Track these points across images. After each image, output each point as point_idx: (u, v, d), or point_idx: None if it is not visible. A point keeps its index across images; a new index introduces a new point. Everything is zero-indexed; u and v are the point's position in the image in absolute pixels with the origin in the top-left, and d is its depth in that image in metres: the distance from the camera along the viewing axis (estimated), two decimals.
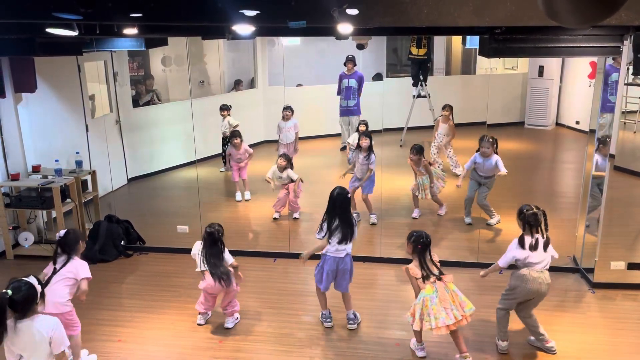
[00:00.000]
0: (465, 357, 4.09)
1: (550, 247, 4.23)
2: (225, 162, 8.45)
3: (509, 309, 4.27)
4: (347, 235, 4.43)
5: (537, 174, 8.34)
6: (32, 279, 3.15)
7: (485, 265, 5.61)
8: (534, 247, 4.12)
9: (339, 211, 4.43)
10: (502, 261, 4.26)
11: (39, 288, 3.15)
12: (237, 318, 4.72)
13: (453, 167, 8.01)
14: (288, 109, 7.77)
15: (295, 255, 5.91)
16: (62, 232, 4.06)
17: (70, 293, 3.95)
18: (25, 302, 3.05)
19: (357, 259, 5.73)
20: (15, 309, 3.04)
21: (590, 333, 4.55)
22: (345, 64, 8.81)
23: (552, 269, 5.46)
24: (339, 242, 4.43)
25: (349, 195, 4.56)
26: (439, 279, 4.06)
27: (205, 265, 4.49)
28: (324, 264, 4.53)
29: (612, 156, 5.08)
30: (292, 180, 6.69)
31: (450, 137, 7.82)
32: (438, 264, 4.17)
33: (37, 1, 3.30)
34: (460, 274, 5.41)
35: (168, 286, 5.39)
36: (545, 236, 4.18)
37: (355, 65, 8.80)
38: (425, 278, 4.07)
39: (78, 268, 3.96)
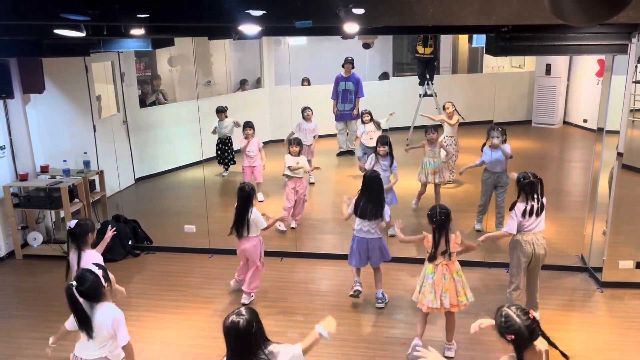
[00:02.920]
0: (448, 344, 4.25)
1: (542, 213, 4.46)
2: (222, 165, 8.31)
3: (519, 284, 4.51)
4: (367, 214, 4.70)
5: (544, 172, 8.22)
6: (93, 267, 3.31)
7: (491, 264, 5.63)
8: (529, 214, 4.38)
9: (369, 191, 4.73)
10: (510, 228, 4.46)
11: (100, 272, 3.28)
12: (252, 296, 4.99)
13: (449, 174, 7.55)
14: (308, 109, 7.70)
15: (300, 255, 5.94)
16: (73, 222, 4.07)
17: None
18: (92, 290, 3.21)
19: None
20: (86, 297, 3.21)
21: (599, 332, 4.53)
22: (343, 66, 8.68)
23: (560, 268, 5.50)
24: (362, 219, 4.74)
25: (381, 175, 4.88)
26: (445, 260, 4.11)
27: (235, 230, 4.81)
28: (353, 244, 4.89)
29: (620, 154, 5.05)
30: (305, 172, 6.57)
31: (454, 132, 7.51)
32: (455, 246, 4.11)
33: (45, 3, 3.32)
34: (465, 273, 5.39)
35: (175, 286, 5.41)
36: (540, 202, 4.42)
37: (353, 67, 8.71)
38: (430, 258, 4.12)
39: (88, 262, 3.87)
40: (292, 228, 6.58)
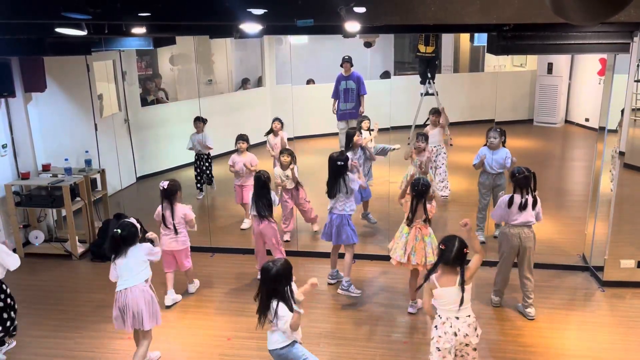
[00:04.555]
0: (412, 304, 4.79)
1: (537, 207, 4.62)
2: (199, 187, 7.54)
3: (503, 269, 4.76)
4: (332, 192, 5.01)
5: (546, 172, 8.30)
6: (133, 220, 4.06)
7: (492, 264, 5.62)
8: (522, 207, 4.54)
9: (330, 171, 5.02)
10: (495, 216, 4.79)
11: (138, 226, 4.04)
12: None
13: (440, 189, 7.15)
14: (278, 120, 6.93)
15: (302, 254, 5.94)
16: (165, 183, 4.96)
17: (186, 232, 5.09)
18: (130, 238, 3.97)
19: (365, 257, 5.76)
20: (124, 241, 3.95)
21: (600, 332, 4.52)
22: (342, 65, 8.51)
23: (561, 267, 5.50)
24: (329, 196, 5.05)
25: (344, 158, 5.02)
26: (421, 224, 4.55)
27: (253, 210, 5.18)
28: (327, 218, 5.20)
29: (622, 154, 5.04)
30: (297, 183, 6.12)
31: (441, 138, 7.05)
32: (430, 214, 4.60)
33: (47, 1, 3.33)
34: None
35: (177, 284, 5.41)
36: (533, 196, 4.58)
37: (352, 65, 8.65)
38: (409, 221, 4.57)
39: (183, 211, 5.01)
40: (315, 231, 6.36)
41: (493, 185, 5.92)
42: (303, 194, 6.26)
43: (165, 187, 4.96)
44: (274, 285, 3.36)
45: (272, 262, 3.43)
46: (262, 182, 5.16)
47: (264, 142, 7.22)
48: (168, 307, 4.97)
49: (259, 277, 5.33)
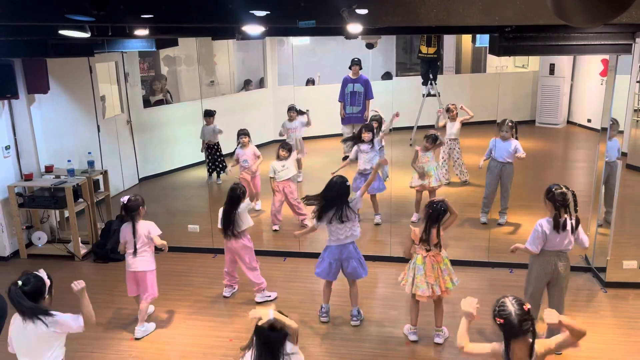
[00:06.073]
0: (438, 331, 4.37)
1: (579, 230, 4.06)
2: (210, 173, 8.03)
3: (534, 295, 4.18)
4: (343, 217, 4.38)
5: (548, 172, 8.29)
6: (42, 273, 3.16)
7: (495, 264, 5.63)
8: (561, 229, 3.95)
9: (337, 198, 4.40)
10: (532, 246, 4.04)
11: (47, 282, 3.15)
12: (268, 296, 5.05)
13: (460, 175, 7.66)
14: (293, 109, 7.57)
15: (303, 255, 5.95)
16: (125, 198, 4.51)
17: (152, 253, 4.58)
18: (34, 294, 3.06)
19: (366, 257, 5.75)
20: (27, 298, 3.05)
21: (602, 333, 4.52)
22: (350, 68, 8.46)
23: None
24: (339, 223, 4.39)
25: (348, 183, 4.51)
26: (434, 251, 4.21)
27: (220, 223, 4.86)
28: (325, 254, 4.59)
29: (624, 154, 5.04)
30: (292, 175, 6.46)
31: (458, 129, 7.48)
32: (442, 238, 4.20)
33: (50, 3, 3.33)
34: (470, 273, 5.41)
35: (179, 285, 5.43)
36: (575, 217, 4.02)
37: (361, 68, 8.61)
38: (423, 242, 4.17)
39: (147, 228, 4.52)
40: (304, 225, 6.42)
41: (500, 173, 6.28)
42: (292, 189, 6.45)
43: (126, 202, 4.45)
44: (277, 348, 3.01)
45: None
46: (236, 197, 4.78)
47: (267, 143, 7.26)
48: (137, 339, 4.52)
49: (223, 293, 5.14)
